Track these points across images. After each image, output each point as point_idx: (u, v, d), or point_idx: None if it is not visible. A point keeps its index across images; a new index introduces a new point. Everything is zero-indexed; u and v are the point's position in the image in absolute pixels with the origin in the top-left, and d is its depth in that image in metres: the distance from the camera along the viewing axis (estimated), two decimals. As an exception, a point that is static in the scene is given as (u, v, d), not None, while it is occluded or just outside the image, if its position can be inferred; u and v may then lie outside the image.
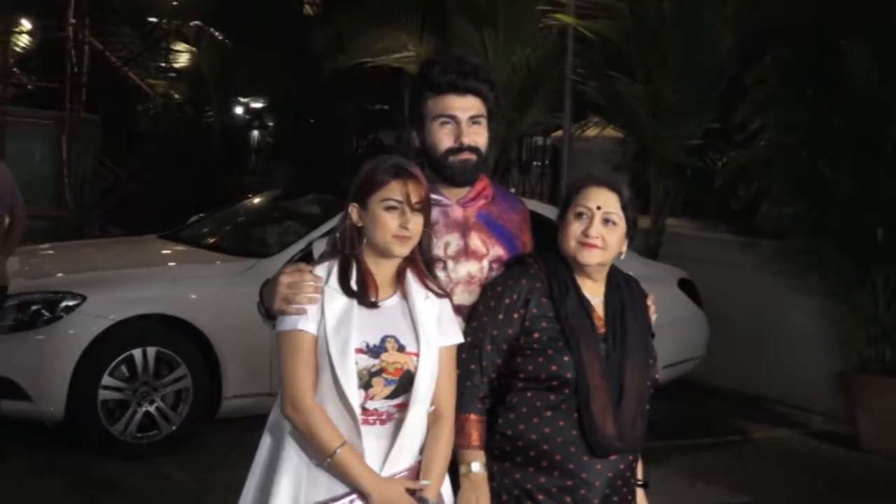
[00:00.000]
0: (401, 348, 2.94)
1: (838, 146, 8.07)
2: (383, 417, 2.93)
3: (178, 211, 11.67)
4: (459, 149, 3.24)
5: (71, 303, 6.62)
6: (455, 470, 3.09)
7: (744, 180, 8.69)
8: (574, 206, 3.15)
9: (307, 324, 2.91)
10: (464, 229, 3.29)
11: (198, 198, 14.76)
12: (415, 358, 2.94)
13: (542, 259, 3.21)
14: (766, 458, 7.70)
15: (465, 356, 3.10)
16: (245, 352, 6.81)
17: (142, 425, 6.77)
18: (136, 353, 6.75)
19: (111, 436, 6.67)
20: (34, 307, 6.63)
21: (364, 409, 2.89)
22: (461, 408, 3.07)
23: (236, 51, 16.88)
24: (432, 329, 2.98)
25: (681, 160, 9.60)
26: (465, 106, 3.25)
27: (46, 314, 6.61)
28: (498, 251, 3.31)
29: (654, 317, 3.34)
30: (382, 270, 3.02)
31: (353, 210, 3.00)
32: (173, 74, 19.17)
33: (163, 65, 19.27)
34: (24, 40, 18.72)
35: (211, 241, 8.16)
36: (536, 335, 3.08)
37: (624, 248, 3.20)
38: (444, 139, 3.25)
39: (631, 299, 3.23)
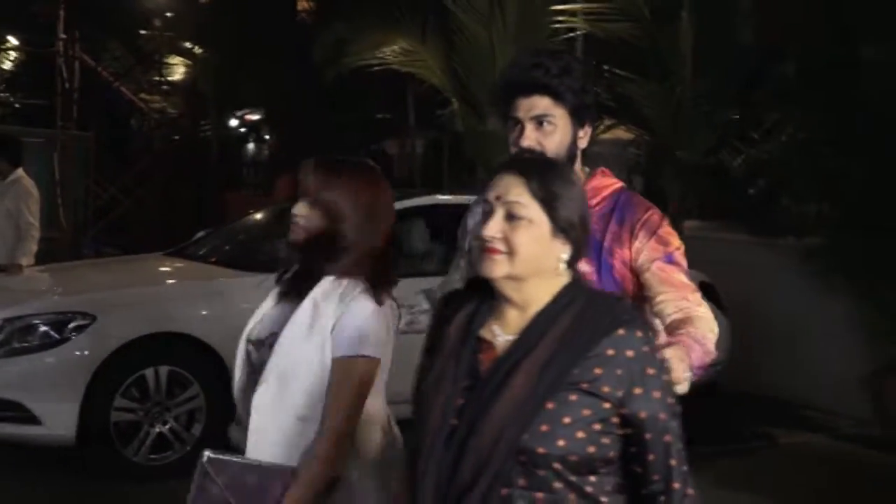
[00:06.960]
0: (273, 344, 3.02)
1: (862, 143, 8.13)
2: None
3: (175, 229, 11.62)
4: (519, 153, 3.02)
5: (81, 323, 6.72)
6: None
7: (763, 174, 8.70)
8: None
9: None
10: None
11: (195, 215, 15.06)
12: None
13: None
14: (793, 464, 7.73)
15: None
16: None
17: (155, 446, 6.86)
18: (148, 372, 6.84)
19: (124, 458, 6.76)
20: (42, 328, 6.71)
21: None
22: None
23: (232, 62, 16.79)
24: (304, 326, 2.94)
25: (699, 160, 9.48)
26: (528, 105, 3.14)
27: (55, 335, 6.69)
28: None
29: (678, 387, 2.67)
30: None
31: None
32: (167, 88, 19.20)
33: (157, 78, 19.27)
34: (11, 57, 18.82)
35: (218, 257, 8.22)
36: None
37: (563, 257, 2.38)
38: (512, 144, 3.19)
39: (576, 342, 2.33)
